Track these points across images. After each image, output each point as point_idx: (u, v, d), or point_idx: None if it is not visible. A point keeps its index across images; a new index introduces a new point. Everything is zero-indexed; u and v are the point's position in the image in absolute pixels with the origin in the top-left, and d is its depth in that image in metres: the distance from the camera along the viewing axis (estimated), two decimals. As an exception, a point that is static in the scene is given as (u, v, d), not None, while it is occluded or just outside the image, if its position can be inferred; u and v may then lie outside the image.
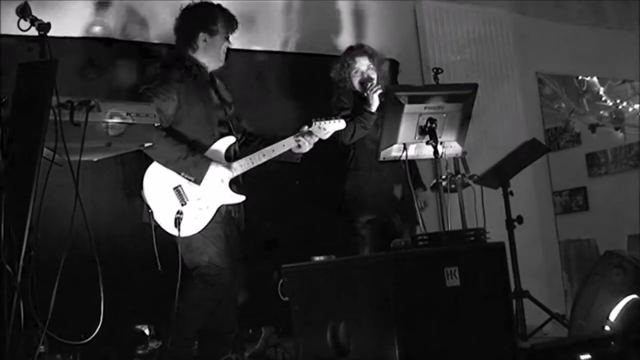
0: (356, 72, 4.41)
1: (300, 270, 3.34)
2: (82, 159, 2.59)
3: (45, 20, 2.63)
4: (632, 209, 6.74)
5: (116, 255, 3.98)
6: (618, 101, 8.20)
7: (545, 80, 7.26)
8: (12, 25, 2.71)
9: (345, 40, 5.22)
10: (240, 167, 3.71)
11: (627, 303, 3.35)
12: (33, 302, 2.43)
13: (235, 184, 3.72)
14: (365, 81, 4.37)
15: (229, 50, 3.87)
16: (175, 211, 3.52)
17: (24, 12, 2.66)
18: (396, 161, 3.95)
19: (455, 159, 4.48)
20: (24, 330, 2.40)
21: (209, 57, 3.81)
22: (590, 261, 6.54)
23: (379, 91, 4.21)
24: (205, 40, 3.78)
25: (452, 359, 2.95)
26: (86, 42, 4.31)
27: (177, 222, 3.50)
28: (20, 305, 2.37)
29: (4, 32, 3.63)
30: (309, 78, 4.92)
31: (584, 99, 8.17)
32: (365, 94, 4.30)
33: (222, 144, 3.70)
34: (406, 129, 3.79)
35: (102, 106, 2.65)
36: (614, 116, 8.32)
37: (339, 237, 4.41)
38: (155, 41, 4.49)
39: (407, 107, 3.75)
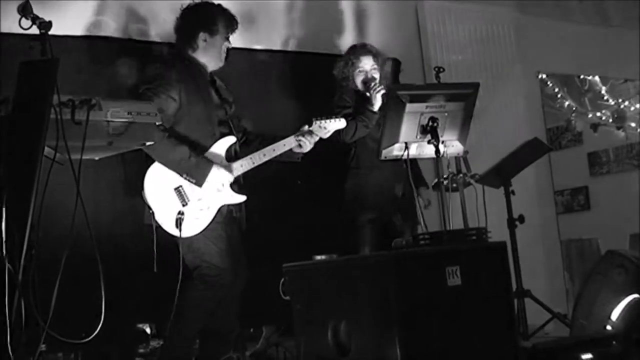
0: (360, 71, 4.41)
1: (301, 269, 3.34)
2: (84, 157, 2.59)
3: (46, 19, 2.63)
4: (634, 209, 6.73)
5: (117, 254, 3.98)
6: (620, 100, 8.18)
7: (547, 79, 7.26)
8: (13, 24, 2.71)
9: (347, 39, 5.22)
10: (241, 167, 3.71)
11: (629, 302, 3.34)
12: (34, 300, 2.43)
13: (236, 184, 3.72)
14: (368, 80, 4.36)
15: (229, 50, 3.86)
16: (177, 212, 3.52)
17: (25, 10, 2.65)
18: (397, 160, 3.94)
19: (456, 158, 4.48)
20: (25, 328, 2.40)
21: (209, 57, 3.81)
22: (591, 261, 6.52)
23: (382, 91, 4.21)
24: (205, 40, 3.78)
25: (453, 359, 2.95)
26: (87, 40, 4.30)
27: (179, 223, 3.50)
28: (22, 304, 2.37)
29: (4, 30, 3.63)
30: (310, 77, 4.92)
31: (586, 98, 8.15)
32: (368, 94, 4.30)
33: (223, 144, 3.70)
34: (408, 128, 3.78)
35: (104, 104, 2.65)
36: (615, 115, 8.30)
37: (339, 236, 4.41)
38: (156, 40, 4.49)
39: (409, 106, 3.74)
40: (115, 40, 4.39)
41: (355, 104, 4.34)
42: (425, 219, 4.15)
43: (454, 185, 4.54)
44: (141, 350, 4.33)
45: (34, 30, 2.63)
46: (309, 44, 5.18)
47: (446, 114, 3.80)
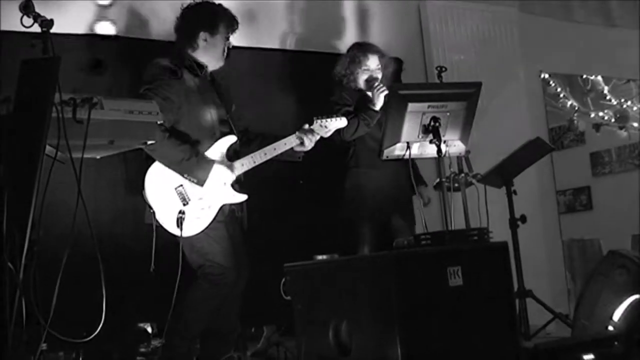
0: (365, 69, 4.41)
1: (302, 269, 3.34)
2: (85, 156, 2.59)
3: (47, 17, 2.62)
4: (636, 209, 6.71)
5: (118, 253, 3.98)
6: (622, 100, 8.17)
7: (550, 78, 7.24)
8: (13, 22, 2.71)
9: (349, 39, 5.21)
10: (242, 166, 3.71)
11: (631, 303, 3.34)
12: (35, 299, 2.42)
13: (237, 183, 3.72)
14: (371, 80, 4.36)
15: (229, 49, 3.86)
16: (177, 211, 3.52)
17: (27, 8, 2.65)
18: (397, 160, 3.94)
19: (458, 157, 4.47)
20: (25, 327, 2.40)
21: (210, 57, 3.81)
22: (593, 261, 6.51)
23: (385, 92, 4.21)
24: (205, 40, 3.78)
25: (454, 359, 2.95)
26: (88, 39, 4.30)
27: (180, 222, 3.49)
28: (22, 303, 2.36)
29: (5, 28, 3.63)
30: (311, 77, 4.91)
31: (589, 98, 8.14)
32: (370, 92, 4.30)
33: (223, 143, 3.70)
34: (409, 127, 3.78)
35: (105, 103, 2.64)
36: (618, 115, 8.28)
37: (340, 235, 4.41)
38: (157, 39, 4.48)
39: (411, 106, 3.74)
40: (116, 39, 4.38)
41: (355, 103, 4.34)
42: (427, 219, 4.14)
43: (456, 185, 4.53)
44: (142, 350, 4.32)
45: (35, 28, 2.62)
46: (310, 43, 5.17)
47: (448, 114, 3.80)
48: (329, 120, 3.88)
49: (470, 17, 5.96)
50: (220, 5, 3.85)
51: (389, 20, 5.60)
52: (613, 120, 8.28)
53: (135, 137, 2.84)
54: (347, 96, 4.37)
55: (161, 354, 3.76)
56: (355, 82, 4.43)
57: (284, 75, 5.04)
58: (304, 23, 5.19)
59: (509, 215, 4.81)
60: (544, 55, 6.39)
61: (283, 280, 3.34)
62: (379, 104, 4.24)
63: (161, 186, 3.55)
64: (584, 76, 7.82)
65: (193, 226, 3.55)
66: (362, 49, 4.48)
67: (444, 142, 3.78)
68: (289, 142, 3.79)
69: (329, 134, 3.92)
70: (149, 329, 4.40)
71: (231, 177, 3.66)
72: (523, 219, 4.80)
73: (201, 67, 3.80)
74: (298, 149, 3.83)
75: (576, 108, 8.02)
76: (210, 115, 3.72)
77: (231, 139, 3.73)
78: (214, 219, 3.60)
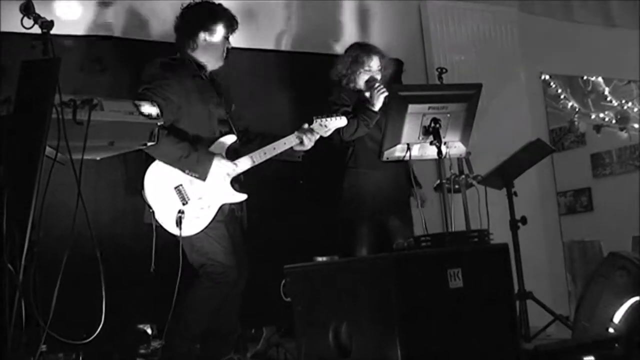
0: (367, 69, 4.40)
1: (302, 270, 3.33)
2: (85, 157, 2.59)
3: (47, 18, 2.62)
4: (637, 210, 6.71)
5: (118, 254, 3.98)
6: (623, 101, 8.17)
7: (550, 80, 7.24)
8: (13, 23, 2.71)
9: (349, 39, 5.20)
10: (242, 165, 3.70)
11: (631, 305, 3.33)
12: (35, 300, 2.42)
13: (237, 183, 3.72)
14: (372, 80, 4.35)
15: (229, 49, 3.85)
16: (177, 211, 3.51)
17: (27, 9, 2.65)
18: (395, 161, 3.94)
19: (459, 159, 4.47)
20: (25, 329, 2.40)
21: (209, 57, 3.80)
22: (594, 262, 6.51)
23: (385, 94, 4.20)
24: (205, 40, 3.77)
25: (454, 361, 2.95)
26: (88, 40, 4.30)
27: (179, 222, 3.49)
28: (22, 304, 2.36)
29: (5, 29, 3.63)
30: (311, 77, 4.91)
31: (589, 99, 8.13)
32: (369, 93, 4.30)
33: (223, 142, 3.69)
34: (410, 129, 3.78)
35: (105, 105, 2.64)
36: (619, 116, 8.28)
37: (338, 235, 4.41)
38: (156, 39, 4.48)
39: (411, 107, 3.74)
40: (115, 40, 4.38)
41: (354, 103, 4.33)
42: (427, 220, 4.14)
43: (456, 186, 4.53)
44: (142, 351, 4.32)
45: (35, 29, 2.62)
46: (309, 44, 5.17)
47: (448, 115, 3.79)
48: (328, 119, 3.87)
49: (471, 18, 5.96)
50: (219, 5, 3.85)
51: (389, 20, 5.59)
52: (614, 121, 8.27)
53: (135, 138, 2.84)
54: (346, 96, 4.36)
55: (161, 355, 3.75)
56: (354, 82, 4.43)
57: (282, 75, 5.04)
58: (304, 23, 5.19)
59: (510, 217, 4.80)
60: (544, 56, 6.38)
61: (283, 281, 3.34)
62: (378, 104, 4.24)
63: (160, 186, 3.55)
64: (585, 77, 7.82)
65: (193, 226, 3.55)
66: (365, 49, 4.47)
67: (445, 143, 3.78)
68: (289, 142, 3.79)
69: (328, 133, 3.91)
70: (149, 330, 4.40)
71: (233, 168, 3.64)
72: (523, 220, 4.79)
73: (201, 67, 3.80)
74: (298, 148, 3.83)
75: (577, 109, 8.01)
76: (210, 114, 3.72)
77: (231, 138, 3.73)
78: (214, 218, 3.59)
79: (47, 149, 2.48)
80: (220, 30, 3.79)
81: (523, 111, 6.15)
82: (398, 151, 3.86)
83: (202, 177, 3.55)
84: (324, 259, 3.25)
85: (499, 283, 3.15)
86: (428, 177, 4.67)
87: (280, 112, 4.89)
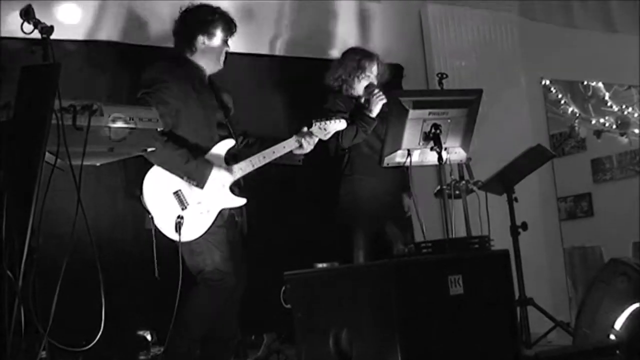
0: (367, 75, 4.39)
1: (302, 277, 3.33)
2: (85, 163, 2.58)
3: (47, 23, 2.62)
4: (637, 215, 6.70)
5: (118, 260, 3.97)
6: (623, 107, 8.17)
7: (551, 85, 7.24)
8: (12, 27, 2.71)
9: (349, 43, 5.19)
10: (241, 170, 3.70)
11: (632, 312, 3.32)
12: (34, 307, 2.41)
13: (237, 187, 3.71)
14: (371, 86, 4.35)
15: (227, 53, 3.85)
16: (176, 216, 3.50)
17: (27, 14, 2.65)
18: (394, 167, 3.94)
19: (459, 164, 4.46)
20: (24, 336, 2.39)
21: (208, 60, 3.80)
22: (595, 268, 6.50)
23: (383, 101, 4.20)
24: (204, 44, 3.77)
25: (455, 368, 2.94)
26: (87, 45, 4.29)
27: (178, 227, 3.48)
28: (21, 311, 2.35)
29: (5, 34, 3.63)
30: (311, 82, 4.90)
31: (590, 105, 8.13)
32: (368, 99, 4.29)
33: (222, 147, 3.68)
34: (410, 134, 3.77)
35: (105, 110, 2.64)
36: (619, 122, 8.28)
37: (335, 242, 4.40)
38: (155, 44, 4.47)
39: (412, 113, 3.73)
40: (114, 44, 4.38)
41: (350, 110, 4.32)
42: (428, 226, 4.13)
43: (457, 192, 4.53)
44: (142, 357, 4.31)
45: (35, 33, 2.62)
46: (310, 48, 5.16)
47: (449, 121, 3.79)
48: (328, 122, 3.86)
49: (471, 22, 5.95)
50: (218, 8, 3.84)
51: (389, 25, 5.59)
52: (614, 126, 8.27)
53: (135, 144, 2.83)
54: (341, 102, 4.35)
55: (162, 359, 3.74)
56: (353, 88, 4.41)
57: (283, 80, 5.03)
58: (304, 27, 5.18)
59: (510, 223, 4.79)
60: (545, 62, 6.38)
61: (283, 288, 3.33)
62: (375, 111, 4.23)
63: (159, 191, 3.54)
64: (585, 82, 7.82)
65: (192, 231, 3.53)
66: (366, 54, 4.46)
67: (445, 149, 3.78)
68: (288, 146, 3.78)
69: (328, 137, 3.91)
70: (149, 337, 4.39)
71: (230, 179, 3.64)
72: (524, 226, 4.78)
73: (200, 70, 3.79)
74: (297, 152, 3.83)
75: (577, 114, 8.01)
76: (209, 119, 3.71)
77: (229, 142, 3.72)
78: (213, 223, 3.58)
79: (47, 154, 2.48)
80: (219, 33, 3.79)
81: (523, 116, 6.14)
82: (398, 157, 3.86)
83: (200, 184, 3.55)
84: (324, 265, 3.24)
85: (500, 289, 3.15)
86: (428, 183, 4.67)
87: (279, 117, 4.88)
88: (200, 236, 3.55)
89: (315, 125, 3.84)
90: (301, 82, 4.95)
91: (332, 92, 4.44)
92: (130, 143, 2.77)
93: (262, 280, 3.91)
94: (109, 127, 2.67)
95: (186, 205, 3.53)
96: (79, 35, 4.26)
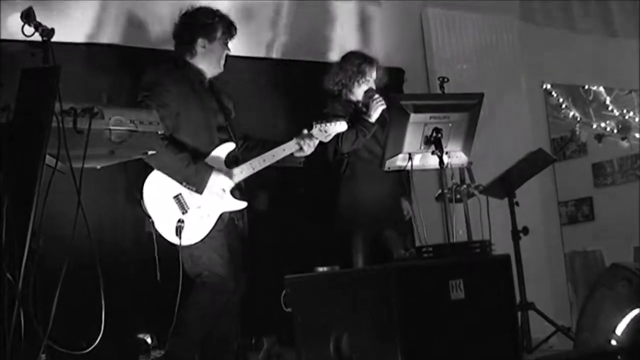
0: (367, 80, 4.39)
1: (303, 281, 3.32)
2: (85, 166, 2.58)
3: (47, 26, 2.61)
4: (638, 220, 6.70)
5: (118, 263, 3.97)
6: (624, 111, 8.17)
7: (552, 89, 7.25)
8: (12, 30, 2.71)
9: (349, 47, 5.19)
10: (241, 173, 3.69)
11: (634, 317, 3.31)
12: (34, 310, 2.41)
13: (237, 191, 3.70)
14: (370, 91, 4.35)
15: (227, 56, 3.85)
16: (176, 220, 3.50)
17: (28, 17, 2.64)
18: (391, 171, 3.93)
19: (460, 169, 4.46)
20: (24, 338, 2.38)
21: (208, 63, 3.79)
22: (596, 273, 6.49)
23: (383, 106, 4.20)
24: (204, 47, 3.76)
25: (456, 372, 2.93)
26: (88, 47, 4.29)
27: (179, 231, 3.48)
28: (21, 314, 2.35)
29: (5, 37, 3.63)
30: (311, 85, 4.90)
31: (590, 109, 8.14)
32: (367, 104, 4.28)
33: (222, 151, 3.68)
34: (411, 138, 3.76)
35: (106, 113, 2.64)
36: (620, 126, 8.28)
37: (334, 246, 4.39)
38: (155, 46, 4.47)
39: (413, 117, 3.72)
40: (115, 47, 4.38)
41: (349, 115, 4.31)
42: (428, 230, 4.12)
43: (458, 196, 4.52)
44: (142, 361, 4.31)
45: (36, 36, 2.62)
46: (311, 52, 5.16)
47: (450, 125, 3.78)
48: (328, 124, 3.85)
49: (472, 26, 5.96)
50: (218, 11, 3.83)
51: (390, 29, 5.59)
52: (615, 131, 8.28)
53: (136, 147, 2.82)
54: (340, 107, 4.35)
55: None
56: (352, 92, 4.42)
57: (284, 83, 5.03)
58: (304, 31, 5.18)
59: (511, 227, 4.79)
60: (546, 66, 6.39)
61: (284, 292, 3.32)
62: (374, 116, 4.24)
63: (159, 195, 3.53)
64: (586, 87, 7.82)
65: (192, 235, 3.53)
66: (367, 59, 4.46)
67: (446, 153, 3.77)
68: (288, 148, 3.78)
69: (329, 139, 3.90)
70: (149, 340, 4.38)
71: (230, 184, 3.64)
72: (525, 230, 4.78)
73: (200, 73, 3.79)
74: (297, 154, 3.82)
75: (578, 119, 8.02)
76: (209, 122, 3.70)
77: (230, 146, 3.71)
78: (214, 227, 3.58)
79: (47, 157, 2.47)
80: (219, 36, 3.79)
81: (524, 120, 6.14)
82: (399, 160, 3.85)
83: (199, 190, 3.54)
84: (325, 269, 3.24)
85: (501, 294, 3.14)
86: (430, 187, 4.66)
87: (279, 121, 4.88)
88: (201, 240, 3.55)
89: (316, 127, 3.83)
90: (301, 85, 4.94)
91: (331, 96, 4.44)
92: (131, 146, 2.76)
93: (263, 283, 3.91)
94: (110, 130, 2.66)
95: (187, 210, 3.53)
96: (79, 37, 4.26)
